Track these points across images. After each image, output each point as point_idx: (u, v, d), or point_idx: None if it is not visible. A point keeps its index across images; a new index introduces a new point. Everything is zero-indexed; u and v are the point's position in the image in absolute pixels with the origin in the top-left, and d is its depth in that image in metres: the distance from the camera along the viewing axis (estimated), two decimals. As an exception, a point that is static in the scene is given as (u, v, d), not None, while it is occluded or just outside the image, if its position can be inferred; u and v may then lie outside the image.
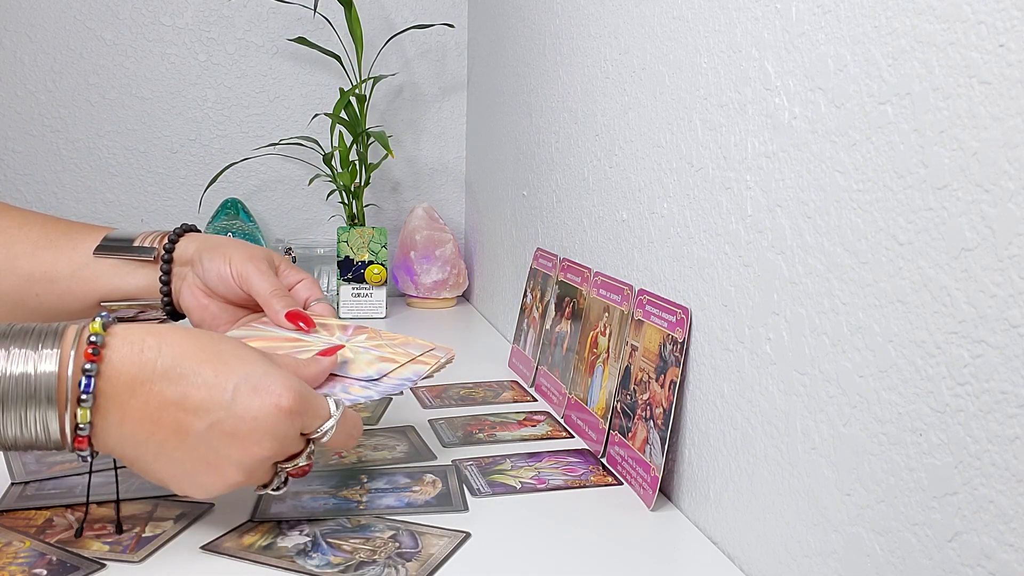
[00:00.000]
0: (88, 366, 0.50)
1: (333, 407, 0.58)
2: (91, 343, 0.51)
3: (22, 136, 1.39)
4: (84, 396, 0.50)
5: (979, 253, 0.37)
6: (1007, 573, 0.36)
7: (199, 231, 0.77)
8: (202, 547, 0.57)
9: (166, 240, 0.74)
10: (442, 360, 0.71)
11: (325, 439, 0.57)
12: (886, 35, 0.43)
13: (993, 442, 0.37)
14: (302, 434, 0.56)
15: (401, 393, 0.68)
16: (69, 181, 1.42)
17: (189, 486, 0.55)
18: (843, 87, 0.46)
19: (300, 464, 0.57)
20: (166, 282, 0.74)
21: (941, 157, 0.40)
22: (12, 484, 0.66)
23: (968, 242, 0.38)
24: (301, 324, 0.70)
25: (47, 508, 0.62)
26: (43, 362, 0.50)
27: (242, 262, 0.71)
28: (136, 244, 0.74)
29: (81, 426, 0.50)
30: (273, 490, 0.58)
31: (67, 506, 0.62)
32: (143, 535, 0.58)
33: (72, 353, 0.50)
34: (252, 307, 0.74)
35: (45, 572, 0.53)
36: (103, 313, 0.54)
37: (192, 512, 0.62)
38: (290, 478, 0.59)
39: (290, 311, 0.70)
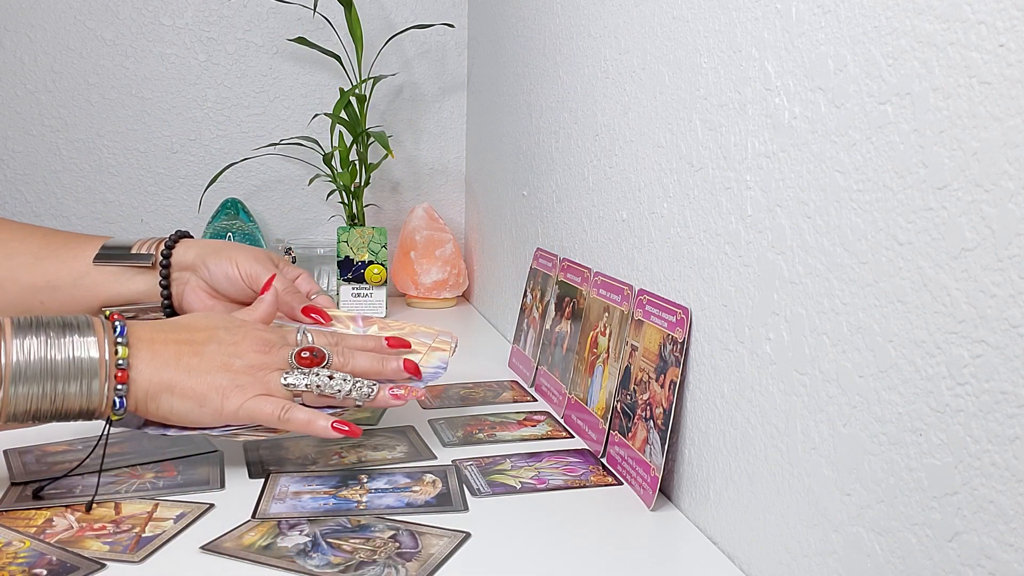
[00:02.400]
0: (117, 323, 0.63)
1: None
2: (112, 314, 0.64)
3: (22, 136, 1.39)
4: (120, 339, 0.62)
5: (979, 253, 0.37)
6: (1007, 573, 0.36)
7: (192, 237, 0.82)
8: (202, 547, 0.57)
9: (163, 246, 0.79)
10: (453, 345, 0.78)
11: (307, 340, 0.71)
12: (886, 35, 0.43)
13: (993, 442, 0.37)
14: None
15: (438, 378, 0.76)
16: (69, 181, 1.42)
17: (223, 383, 0.64)
18: (843, 87, 0.46)
19: (298, 350, 0.68)
20: (165, 286, 0.78)
21: (941, 157, 0.40)
22: (12, 484, 0.66)
23: (968, 242, 0.38)
24: (318, 317, 0.78)
25: (47, 508, 0.62)
26: (89, 348, 0.61)
27: (249, 263, 0.78)
28: (134, 251, 0.79)
29: (120, 361, 0.61)
30: (295, 383, 0.67)
31: (67, 506, 0.62)
32: (143, 535, 0.58)
33: (104, 331, 0.62)
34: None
35: (45, 572, 0.53)
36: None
37: (192, 512, 0.62)
38: (305, 367, 0.68)
39: (305, 306, 0.78)
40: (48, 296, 0.76)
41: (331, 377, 0.67)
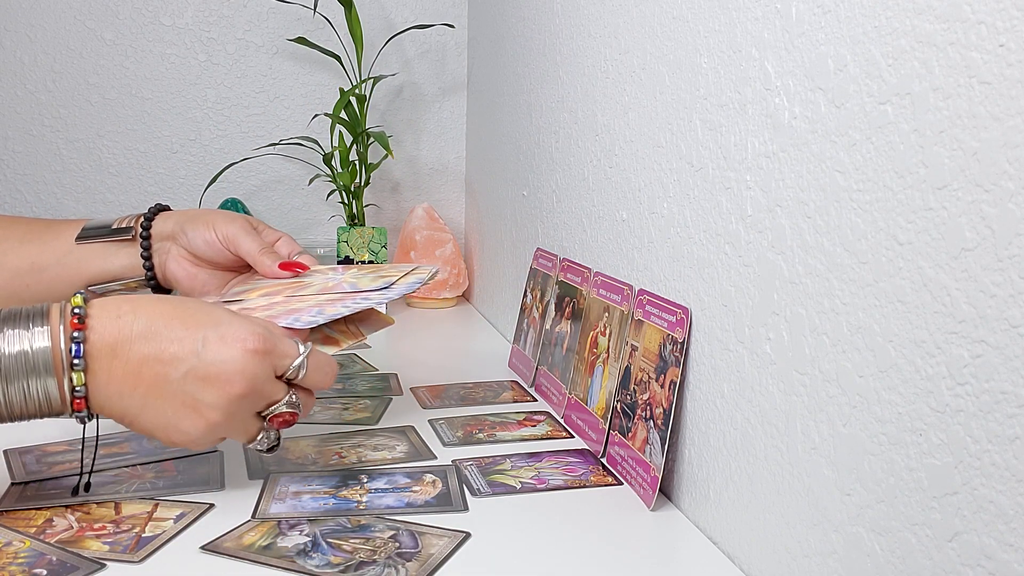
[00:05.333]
0: (76, 334, 0.55)
1: (300, 347, 0.61)
2: (75, 314, 0.56)
3: (22, 136, 1.39)
4: (76, 361, 0.55)
5: (979, 253, 0.37)
6: (1007, 573, 0.36)
7: (171, 209, 0.82)
8: (202, 547, 0.57)
9: (142, 219, 0.79)
10: (433, 271, 0.78)
11: (299, 376, 0.61)
12: (886, 35, 0.43)
13: (993, 442, 0.37)
14: (277, 377, 0.60)
15: (415, 291, 0.74)
16: (69, 181, 1.42)
17: (174, 433, 0.59)
18: (843, 87, 0.46)
19: (281, 409, 0.60)
20: (147, 258, 0.79)
21: (941, 157, 0.40)
22: (12, 484, 0.66)
23: (968, 242, 0.38)
24: (296, 270, 0.76)
25: (47, 508, 0.62)
26: (36, 339, 0.55)
27: (226, 225, 0.77)
28: (114, 227, 0.79)
29: (77, 389, 0.56)
30: (264, 448, 0.62)
31: (67, 506, 0.62)
32: (143, 535, 0.58)
33: (60, 327, 0.56)
34: (238, 270, 0.80)
35: (45, 572, 0.53)
36: (80, 291, 0.59)
37: (192, 512, 0.62)
38: (279, 433, 0.62)
39: (282, 262, 0.76)
40: (33, 279, 0.77)
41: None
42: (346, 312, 0.69)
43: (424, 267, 0.78)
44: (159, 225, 0.79)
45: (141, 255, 0.78)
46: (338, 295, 0.72)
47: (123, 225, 0.79)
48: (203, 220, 0.78)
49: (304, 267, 0.76)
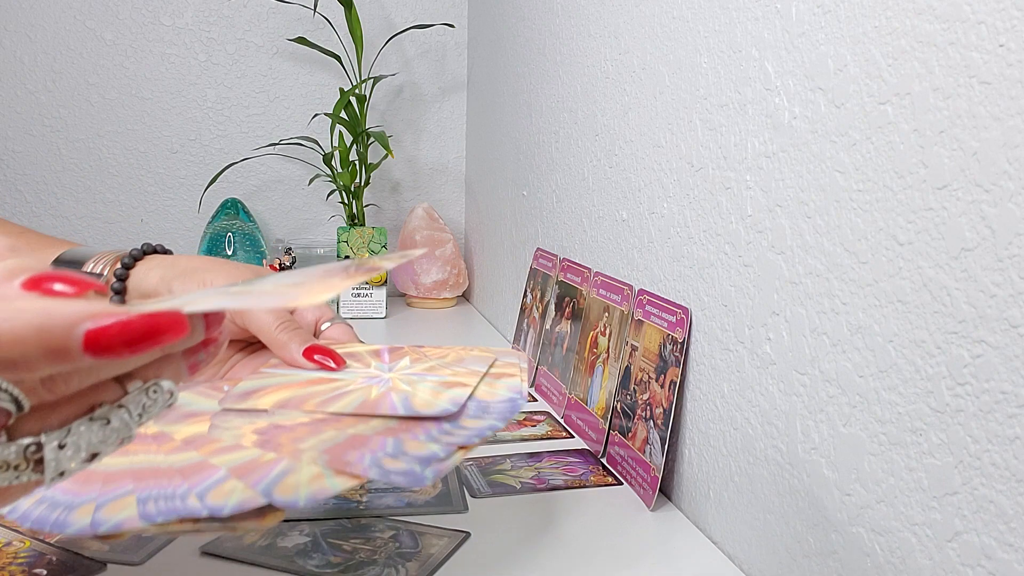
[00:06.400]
0: None
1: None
2: None
3: (22, 136, 1.39)
4: None
5: (979, 253, 0.37)
6: (1007, 573, 0.36)
7: (167, 252, 0.61)
8: (202, 547, 0.57)
9: (119, 265, 0.58)
10: (523, 366, 0.54)
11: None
12: (886, 35, 0.43)
13: (993, 442, 0.37)
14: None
15: (505, 426, 0.49)
16: (69, 181, 1.42)
17: None
18: (843, 87, 0.46)
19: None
20: None
21: (941, 157, 0.40)
22: (12, 484, 0.66)
23: (968, 242, 0.38)
24: (325, 360, 0.54)
25: (47, 508, 0.62)
26: None
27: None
28: (87, 268, 0.59)
29: None
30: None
31: (67, 506, 0.62)
32: (143, 535, 0.58)
33: None
34: (245, 338, 0.60)
35: (45, 572, 0.53)
36: None
37: (192, 512, 0.62)
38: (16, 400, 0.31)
39: (308, 347, 0.55)
40: None
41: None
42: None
43: (506, 355, 0.56)
44: (140, 276, 0.58)
45: None
46: (397, 422, 0.45)
47: (97, 268, 0.58)
48: (196, 278, 0.57)
49: (340, 362, 0.54)
